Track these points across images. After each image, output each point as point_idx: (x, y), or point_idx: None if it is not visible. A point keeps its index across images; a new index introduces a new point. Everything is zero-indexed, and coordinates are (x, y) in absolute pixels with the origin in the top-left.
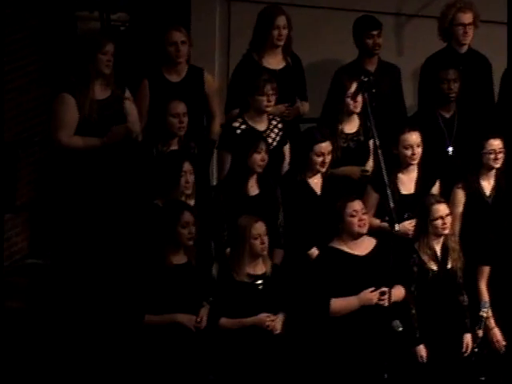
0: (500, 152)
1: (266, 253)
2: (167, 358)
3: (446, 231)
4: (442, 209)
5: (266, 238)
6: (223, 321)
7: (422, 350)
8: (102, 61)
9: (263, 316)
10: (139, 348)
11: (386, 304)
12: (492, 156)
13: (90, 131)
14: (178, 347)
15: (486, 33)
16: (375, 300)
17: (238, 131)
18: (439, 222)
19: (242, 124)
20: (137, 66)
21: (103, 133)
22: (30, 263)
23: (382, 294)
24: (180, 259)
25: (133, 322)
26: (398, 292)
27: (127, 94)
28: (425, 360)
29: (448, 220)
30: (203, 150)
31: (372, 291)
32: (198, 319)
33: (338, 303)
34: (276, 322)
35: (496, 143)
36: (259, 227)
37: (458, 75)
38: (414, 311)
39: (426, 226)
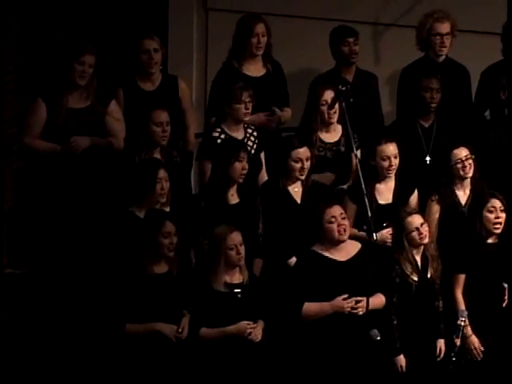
0: (467, 160)
1: (242, 263)
2: (148, 367)
3: (425, 241)
4: (415, 220)
5: (242, 248)
6: (203, 331)
7: (401, 360)
8: (77, 71)
9: (243, 324)
10: (120, 357)
11: (361, 313)
12: (459, 165)
13: (58, 138)
14: (159, 356)
15: (464, 42)
16: (347, 308)
17: (219, 141)
18: (415, 233)
19: (221, 133)
20: (111, 75)
21: (64, 141)
22: (8, 273)
23: (358, 302)
24: (161, 269)
25: (114, 331)
26: (378, 300)
27: (111, 107)
28: (404, 370)
29: (424, 229)
30: (181, 160)
31: (345, 299)
32: (180, 329)
33: (310, 307)
34: (256, 330)
35: (461, 153)
36: (235, 237)
37: (440, 85)
38: (395, 322)
39: (403, 239)
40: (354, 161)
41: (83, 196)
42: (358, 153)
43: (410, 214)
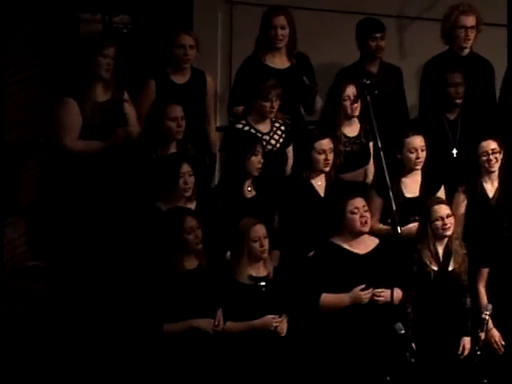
0: (494, 154)
1: (266, 255)
2: (188, 364)
3: (448, 232)
4: (441, 210)
5: (265, 241)
6: (229, 324)
7: (412, 348)
8: (102, 64)
9: (269, 318)
10: (160, 357)
11: (382, 302)
12: (485, 158)
13: (92, 134)
14: (199, 353)
15: (488, 36)
16: (366, 299)
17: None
18: (439, 223)
19: (245, 126)
20: (139, 66)
21: (105, 135)
22: (31, 266)
23: (377, 293)
24: (192, 264)
25: (152, 333)
26: (395, 295)
27: (126, 96)
28: (412, 359)
29: (449, 221)
30: (203, 153)
31: (362, 289)
32: (216, 322)
33: (329, 298)
34: (282, 324)
35: (489, 145)
36: (259, 230)
37: (464, 78)
38: (409, 310)
39: (427, 227)
40: (371, 152)
41: (108, 191)
42: (380, 145)
43: (439, 202)
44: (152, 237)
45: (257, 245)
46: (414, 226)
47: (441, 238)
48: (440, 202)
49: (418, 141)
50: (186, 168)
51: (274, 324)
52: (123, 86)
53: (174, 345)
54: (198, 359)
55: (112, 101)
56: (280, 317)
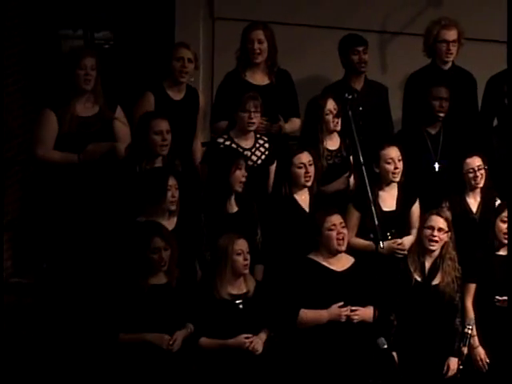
0: (480, 170)
1: (247, 271)
2: (143, 376)
3: (433, 245)
4: (435, 221)
5: (248, 256)
6: (203, 340)
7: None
8: (80, 76)
9: (242, 338)
10: (116, 366)
11: (356, 321)
12: (471, 175)
13: (70, 147)
14: (153, 366)
15: (471, 50)
16: (344, 317)
17: (221, 146)
18: (428, 232)
19: (226, 140)
20: (130, 81)
21: (83, 149)
22: (14, 282)
23: (353, 310)
24: (159, 280)
25: (108, 340)
26: (368, 312)
27: (118, 113)
28: (385, 346)
29: (439, 234)
30: (190, 169)
31: (340, 306)
32: (171, 341)
33: (307, 314)
34: (256, 343)
35: (474, 162)
36: (242, 243)
37: (449, 94)
38: (392, 317)
39: (418, 234)
40: (352, 166)
41: (90, 206)
42: (362, 160)
43: (436, 213)
44: (125, 249)
45: (240, 258)
46: (392, 242)
47: (425, 249)
48: (440, 213)
49: (393, 152)
50: (172, 181)
51: (247, 344)
52: (116, 102)
53: (130, 355)
54: (150, 373)
55: (98, 116)
56: (256, 334)
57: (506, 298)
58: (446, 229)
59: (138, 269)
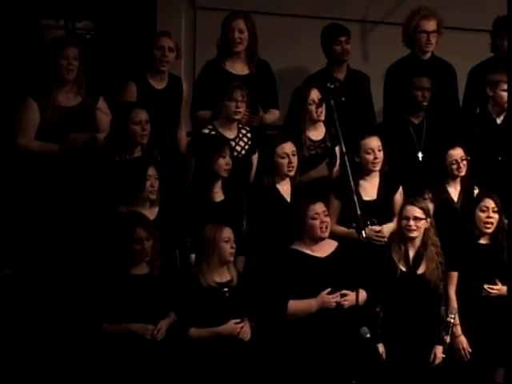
0: (463, 160)
1: (232, 259)
2: (127, 366)
3: (412, 234)
4: (411, 210)
5: (234, 244)
6: (193, 331)
7: (380, 348)
8: (63, 65)
9: (232, 324)
10: (99, 356)
11: (347, 306)
12: (455, 166)
13: (52, 137)
14: (138, 356)
15: (451, 39)
16: (334, 303)
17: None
18: (404, 222)
19: (211, 130)
20: (113, 71)
21: (62, 139)
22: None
23: (343, 295)
24: (141, 270)
25: (91, 330)
26: (360, 295)
27: (100, 103)
28: (383, 358)
29: (416, 223)
30: (173, 158)
31: (328, 293)
32: (155, 331)
33: (297, 305)
34: (245, 329)
35: (457, 153)
36: (228, 232)
37: (431, 84)
38: (378, 309)
39: (398, 226)
40: (338, 156)
41: (71, 196)
42: (344, 149)
43: (411, 203)
44: (107, 239)
45: (228, 246)
46: (372, 228)
47: (406, 238)
48: (414, 203)
49: (373, 141)
50: (152, 171)
51: (238, 330)
52: (98, 92)
53: (114, 346)
54: (134, 363)
55: (80, 106)
56: (242, 321)
57: (494, 286)
58: (423, 217)
59: (121, 259)
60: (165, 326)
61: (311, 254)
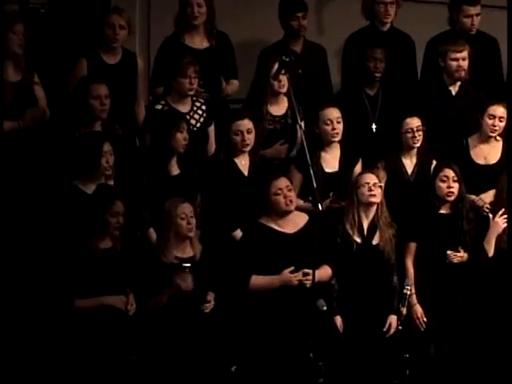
0: (419, 131)
1: (192, 234)
2: (99, 340)
3: (374, 199)
4: (369, 177)
5: (192, 220)
6: (149, 301)
7: (338, 320)
8: (13, 40)
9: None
10: (71, 332)
11: (309, 285)
12: (410, 135)
13: (5, 114)
14: (111, 330)
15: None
16: (296, 281)
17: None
18: (365, 189)
19: (164, 106)
20: (66, 46)
21: (17, 116)
22: None
23: (305, 274)
24: (106, 244)
25: (62, 306)
26: (324, 272)
27: (36, 78)
28: (340, 331)
29: (376, 189)
30: (132, 133)
31: (292, 271)
32: (129, 306)
33: (258, 280)
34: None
35: (413, 122)
36: (186, 207)
37: (385, 55)
38: (333, 281)
39: (353, 195)
40: (299, 132)
41: (25, 171)
42: (303, 124)
43: (368, 171)
44: (70, 214)
45: (184, 222)
46: (330, 200)
47: (366, 205)
48: (368, 171)
49: (332, 112)
50: (107, 147)
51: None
52: (34, 67)
53: (87, 320)
54: (111, 336)
55: (23, 81)
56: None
57: (457, 253)
58: (381, 184)
59: (92, 231)
60: (133, 300)
61: (278, 229)
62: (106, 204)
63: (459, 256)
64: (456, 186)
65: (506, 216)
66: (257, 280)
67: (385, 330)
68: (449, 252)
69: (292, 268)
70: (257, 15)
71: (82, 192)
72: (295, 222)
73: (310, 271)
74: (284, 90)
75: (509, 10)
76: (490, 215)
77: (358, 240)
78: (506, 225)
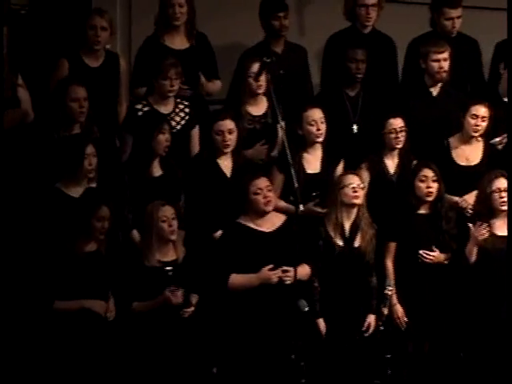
0: (401, 131)
1: (174, 237)
2: (78, 343)
3: (356, 201)
4: (352, 179)
5: (174, 222)
6: (135, 305)
7: (321, 323)
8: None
9: (167, 292)
10: (50, 334)
11: (288, 282)
12: (393, 135)
13: None
14: (89, 333)
15: (392, 13)
16: (275, 279)
17: (140, 113)
18: (348, 190)
19: (144, 106)
20: (46, 48)
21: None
22: None
23: (285, 271)
24: (90, 247)
25: (42, 308)
26: (303, 270)
27: (20, 80)
28: (323, 333)
29: (359, 191)
30: (113, 135)
31: (271, 269)
32: (108, 312)
33: (237, 279)
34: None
35: (396, 123)
36: (167, 210)
37: (366, 56)
38: (316, 284)
39: (335, 197)
40: (280, 132)
41: (7, 172)
42: (283, 124)
43: (350, 172)
44: (52, 217)
45: (165, 225)
46: (313, 203)
47: (349, 206)
48: (351, 172)
49: (316, 113)
50: (90, 149)
51: (171, 298)
52: (17, 69)
53: (67, 323)
54: (90, 338)
55: (6, 83)
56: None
57: (430, 253)
58: (363, 185)
59: (75, 235)
60: (113, 304)
61: (256, 228)
62: (92, 208)
63: (432, 256)
64: (435, 185)
65: (485, 225)
66: (236, 279)
67: (364, 329)
68: (421, 251)
69: (271, 266)
70: (237, 16)
71: (64, 194)
72: (272, 221)
73: (290, 268)
74: (262, 90)
75: (509, 10)
76: (470, 225)
77: (340, 243)
78: (486, 235)
